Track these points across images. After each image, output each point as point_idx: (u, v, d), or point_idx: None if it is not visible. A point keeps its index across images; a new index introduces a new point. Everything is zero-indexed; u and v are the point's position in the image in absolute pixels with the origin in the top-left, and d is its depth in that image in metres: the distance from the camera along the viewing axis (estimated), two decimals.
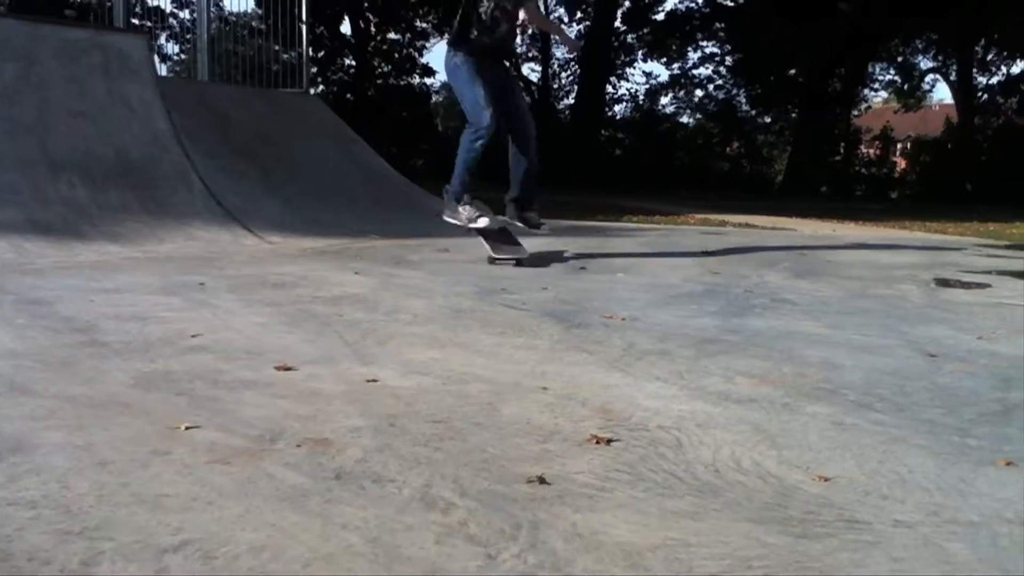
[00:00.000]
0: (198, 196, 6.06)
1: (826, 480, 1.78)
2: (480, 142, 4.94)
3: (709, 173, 28.42)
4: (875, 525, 1.57)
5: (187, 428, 1.97)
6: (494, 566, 1.37)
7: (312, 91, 10.16)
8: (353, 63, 27.00)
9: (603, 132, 28.60)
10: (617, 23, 28.30)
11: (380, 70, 27.69)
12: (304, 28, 9.99)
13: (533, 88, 31.09)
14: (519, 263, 5.09)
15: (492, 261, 5.13)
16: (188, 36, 9.92)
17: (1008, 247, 7.49)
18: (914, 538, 1.52)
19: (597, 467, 1.82)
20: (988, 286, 4.87)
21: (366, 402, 2.23)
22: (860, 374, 2.70)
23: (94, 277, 4.02)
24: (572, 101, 30.20)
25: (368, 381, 2.44)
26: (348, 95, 23.79)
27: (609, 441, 1.97)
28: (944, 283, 4.95)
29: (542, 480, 1.73)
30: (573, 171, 21.16)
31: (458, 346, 2.92)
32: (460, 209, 5.14)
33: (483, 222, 5.12)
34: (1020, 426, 2.19)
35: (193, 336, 2.88)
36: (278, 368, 2.53)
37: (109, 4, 9.93)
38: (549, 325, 3.34)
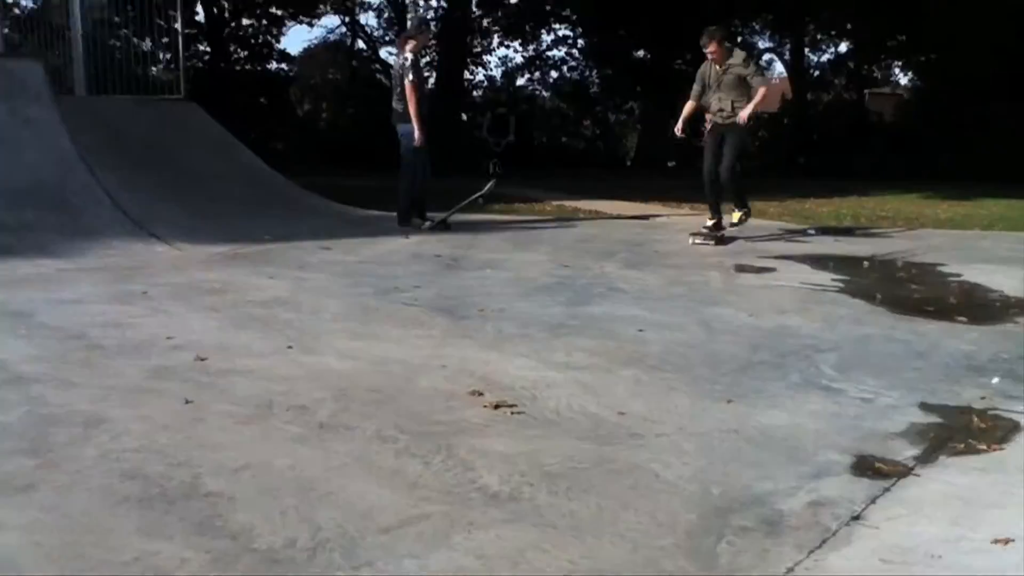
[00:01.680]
0: (106, 209, 6.73)
1: (623, 415, 2.93)
2: None
3: (566, 152, 29.83)
4: (646, 437, 2.73)
5: (205, 404, 2.92)
6: (428, 467, 2.44)
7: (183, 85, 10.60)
8: (208, 49, 26.83)
9: (463, 115, 29.49)
10: (473, 7, 29.18)
11: (236, 56, 27.64)
12: (180, 38, 10.54)
13: (391, 72, 31.64)
14: None
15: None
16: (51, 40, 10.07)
17: (807, 230, 9.01)
18: (666, 441, 2.69)
19: (483, 414, 2.91)
20: (773, 270, 6.23)
21: (321, 380, 3.24)
22: (660, 346, 3.89)
23: (48, 289, 4.76)
24: (431, 86, 30.94)
25: (316, 366, 3.43)
26: (205, 83, 23.76)
27: (488, 398, 3.06)
28: (741, 268, 6.30)
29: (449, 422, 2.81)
30: (435, 156, 22.06)
31: (374, 337, 3.94)
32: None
33: None
34: (750, 376, 3.43)
35: (168, 338, 3.78)
36: (246, 359, 3.49)
37: None
38: (439, 318, 4.40)
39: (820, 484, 2.34)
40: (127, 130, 8.51)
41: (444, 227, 8.26)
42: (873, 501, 2.24)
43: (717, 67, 7.51)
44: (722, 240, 7.59)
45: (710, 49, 7.45)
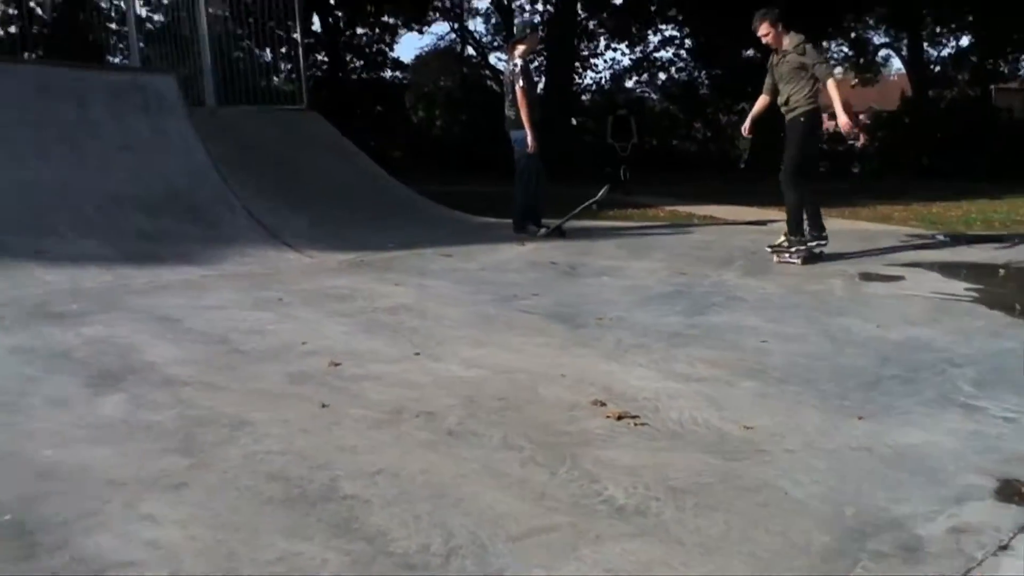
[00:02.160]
0: (240, 217, 7.09)
1: (748, 428, 2.90)
2: None
3: (677, 156, 29.48)
4: (773, 453, 2.70)
5: (340, 408, 3.05)
6: (555, 477, 2.48)
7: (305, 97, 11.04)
8: (325, 59, 27.79)
9: (574, 120, 29.51)
10: (579, 9, 29.15)
11: (352, 65, 28.53)
12: (300, 48, 10.97)
13: (502, 78, 31.96)
14: None
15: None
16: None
17: (936, 235, 8.64)
18: (794, 458, 2.65)
19: (606, 424, 2.93)
20: (901, 279, 6.01)
21: (448, 387, 3.33)
22: (783, 358, 3.82)
23: (190, 296, 5.06)
24: (541, 91, 31.09)
25: (442, 373, 3.53)
26: (323, 91, 24.61)
27: (611, 408, 3.08)
28: (866, 277, 6.10)
29: (574, 432, 2.84)
30: (548, 161, 22.19)
31: (496, 345, 4.02)
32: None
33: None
34: (880, 392, 3.33)
35: (303, 344, 3.95)
36: (376, 365, 3.62)
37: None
38: (557, 326, 4.45)
39: (962, 509, 2.26)
40: (254, 140, 8.93)
41: (559, 234, 8.30)
42: (1022, 530, 2.15)
43: (775, 55, 6.87)
44: (810, 258, 6.67)
45: (762, 32, 6.77)
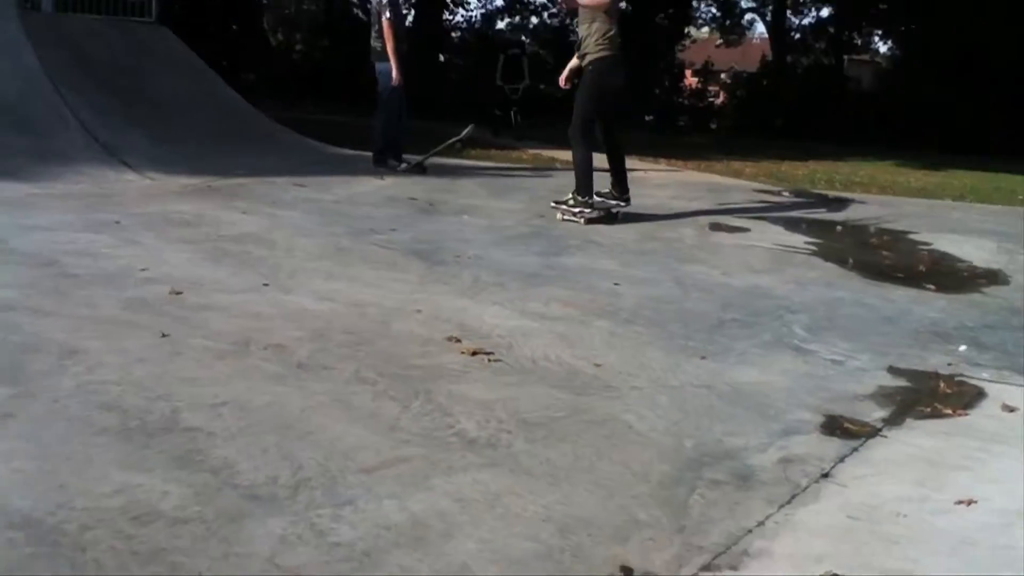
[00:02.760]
0: (75, 133, 6.59)
1: (598, 366, 2.97)
2: None
3: (544, 101, 29.58)
4: (621, 389, 2.78)
5: (181, 338, 2.91)
6: (407, 410, 2.46)
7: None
8: None
9: (442, 56, 29.04)
10: None
11: None
12: None
13: (369, 7, 31.00)
14: None
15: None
16: None
17: (782, 192, 9.08)
18: (640, 394, 2.73)
19: (459, 360, 2.93)
20: (747, 230, 6.28)
21: (298, 320, 3.23)
22: (633, 300, 3.93)
23: (16, 215, 4.67)
24: (409, 25, 30.37)
25: (292, 305, 3.42)
26: (176, 6, 23.11)
27: (465, 344, 3.08)
28: (715, 227, 6.34)
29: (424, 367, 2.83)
30: (413, 97, 21.79)
31: (349, 279, 3.93)
32: None
33: None
34: (722, 334, 3.48)
35: (142, 270, 3.74)
36: (221, 295, 3.47)
37: None
38: (414, 262, 4.39)
39: (790, 441, 2.41)
40: (95, 52, 8.28)
41: (420, 170, 8.18)
42: (842, 460, 2.31)
43: None
44: (602, 217, 6.00)
45: None
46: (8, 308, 3.07)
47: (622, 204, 6.25)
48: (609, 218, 6.15)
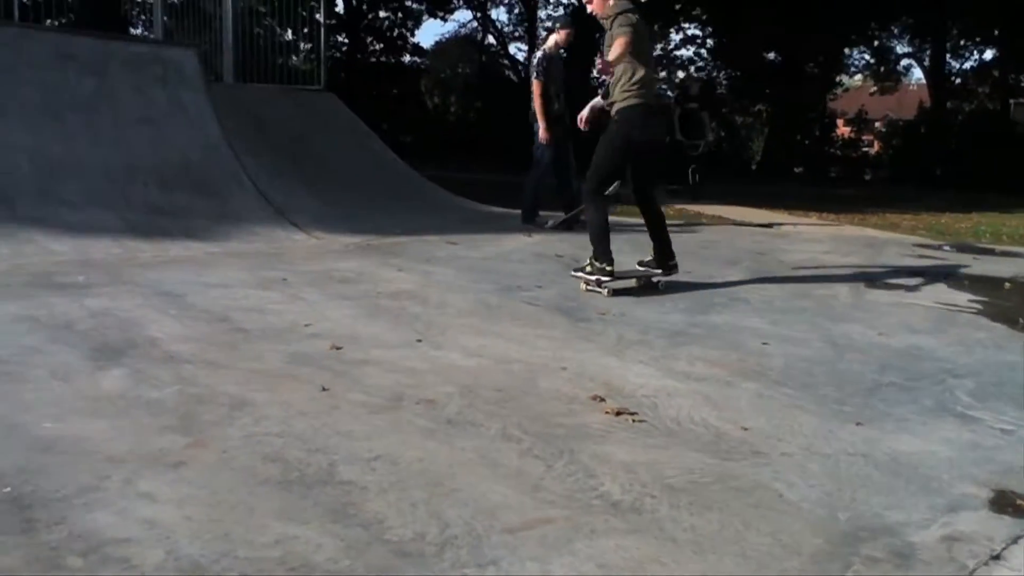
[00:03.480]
0: (250, 195, 7.10)
1: (745, 430, 2.91)
2: None
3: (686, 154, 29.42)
4: (770, 455, 2.70)
5: (340, 392, 3.07)
6: (551, 470, 2.49)
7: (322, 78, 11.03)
8: (346, 41, 27.77)
9: None
10: None
11: (371, 48, 28.51)
12: (323, 29, 10.95)
13: (520, 68, 31.96)
14: None
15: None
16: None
17: (943, 246, 8.62)
18: (790, 461, 2.65)
19: (604, 420, 2.94)
20: (906, 287, 6.00)
21: (447, 375, 3.34)
22: (783, 360, 3.82)
23: (195, 272, 5.07)
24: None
25: (443, 361, 3.54)
26: (341, 73, 24.59)
27: (609, 404, 3.08)
28: (871, 284, 6.09)
29: (571, 425, 2.85)
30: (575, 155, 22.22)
31: (497, 335, 4.02)
32: None
33: None
34: (880, 399, 3.33)
35: (306, 326, 3.97)
36: (377, 350, 3.63)
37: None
38: (559, 319, 4.45)
39: (955, 518, 2.27)
40: (270, 118, 8.93)
41: (567, 227, 8.29)
42: (1014, 541, 2.15)
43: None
44: (639, 288, 5.36)
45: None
46: (185, 361, 3.33)
47: (663, 273, 5.47)
48: (649, 288, 5.42)
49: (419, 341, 3.84)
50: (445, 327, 4.13)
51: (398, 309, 4.44)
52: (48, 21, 10.60)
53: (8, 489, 2.18)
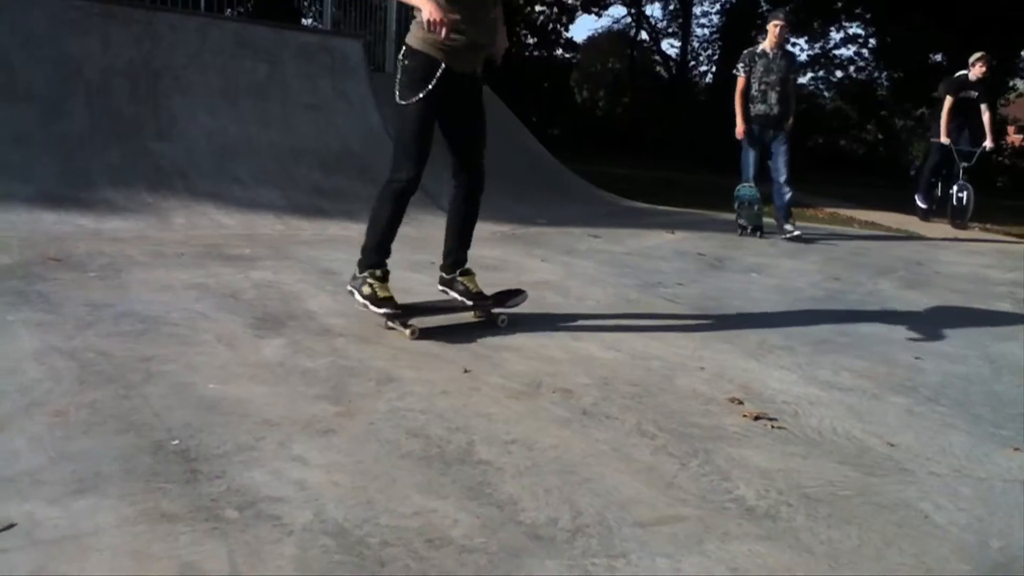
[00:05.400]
0: None
1: (892, 445, 2.80)
2: None
3: (843, 155, 28.28)
4: (917, 473, 2.60)
5: (480, 374, 3.15)
6: (685, 468, 2.48)
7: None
8: None
9: None
10: (761, 1, 28.32)
11: (526, 42, 28.77)
12: None
13: (672, 64, 31.52)
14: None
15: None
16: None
17: None
18: (939, 482, 2.54)
19: (741, 423, 2.90)
20: None
21: (585, 366, 3.37)
22: (937, 377, 3.65)
23: (351, 251, 5.26)
24: (709, 80, 30.40)
25: (581, 352, 3.57)
26: (494, 65, 24.96)
27: (748, 407, 3.04)
28: None
29: (708, 426, 2.83)
30: (710, 151, 21.81)
31: (635, 330, 4.02)
32: None
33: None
34: None
35: None
36: (517, 337, 3.70)
37: None
38: (700, 318, 4.40)
39: None
40: None
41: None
42: None
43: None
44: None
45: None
46: (339, 335, 3.51)
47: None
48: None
49: (558, 331, 3.88)
50: (584, 319, 4.16)
51: (539, 298, 4.50)
52: (228, 11, 11.27)
53: (176, 442, 2.37)
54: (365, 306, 3.61)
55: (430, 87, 3.52)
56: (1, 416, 2.42)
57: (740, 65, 8.03)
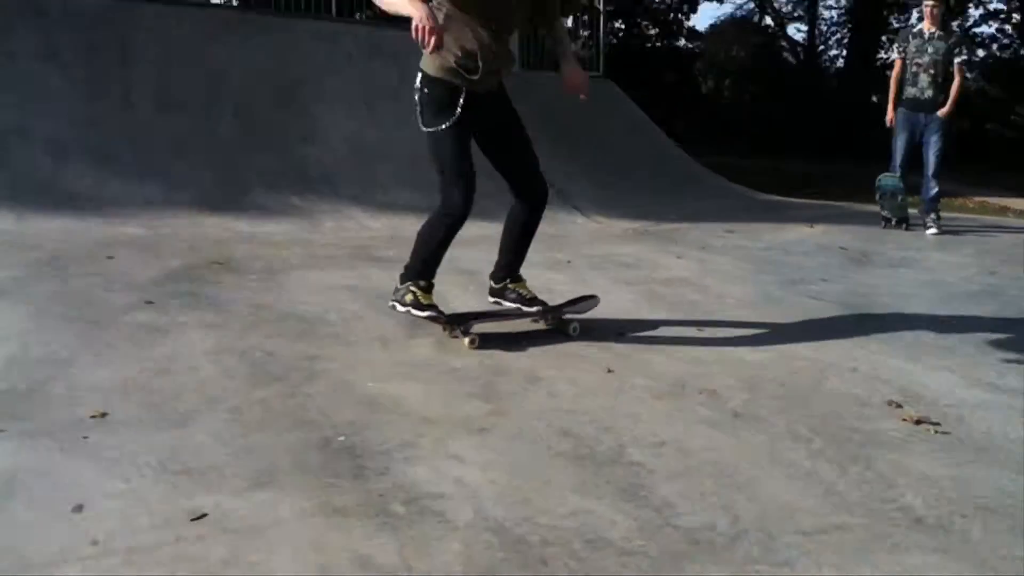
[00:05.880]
0: None
1: None
2: None
3: (990, 141, 26.64)
4: None
5: (625, 375, 3.15)
6: (845, 475, 2.41)
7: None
8: (622, 26, 27.88)
9: (874, 97, 27.51)
10: None
11: (647, 33, 28.40)
12: (602, 17, 11.12)
13: (799, 50, 30.42)
14: None
15: None
16: None
17: None
18: None
19: (902, 428, 2.79)
20: None
21: (730, 367, 3.32)
22: None
23: (488, 251, 5.35)
24: (840, 64, 29.22)
25: (725, 352, 3.52)
26: (617, 58, 24.76)
27: (907, 411, 2.92)
28: None
29: (860, 431, 2.74)
30: (846, 140, 20.99)
31: (780, 329, 3.93)
32: None
33: None
34: None
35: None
36: (659, 336, 3.68)
37: None
38: (847, 316, 4.26)
39: None
40: (552, 105, 9.21)
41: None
42: None
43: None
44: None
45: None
46: (487, 338, 3.58)
47: None
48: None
49: (699, 330, 3.84)
50: (725, 317, 4.09)
51: (677, 297, 4.46)
52: (357, 15, 11.65)
53: (342, 438, 2.48)
54: (408, 312, 3.45)
55: (458, 111, 3.33)
56: (184, 412, 2.60)
57: (895, 46, 7.81)
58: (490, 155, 3.58)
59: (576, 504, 2.17)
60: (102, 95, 6.26)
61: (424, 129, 3.39)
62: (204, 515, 2.00)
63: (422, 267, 3.51)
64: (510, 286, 3.70)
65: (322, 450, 2.39)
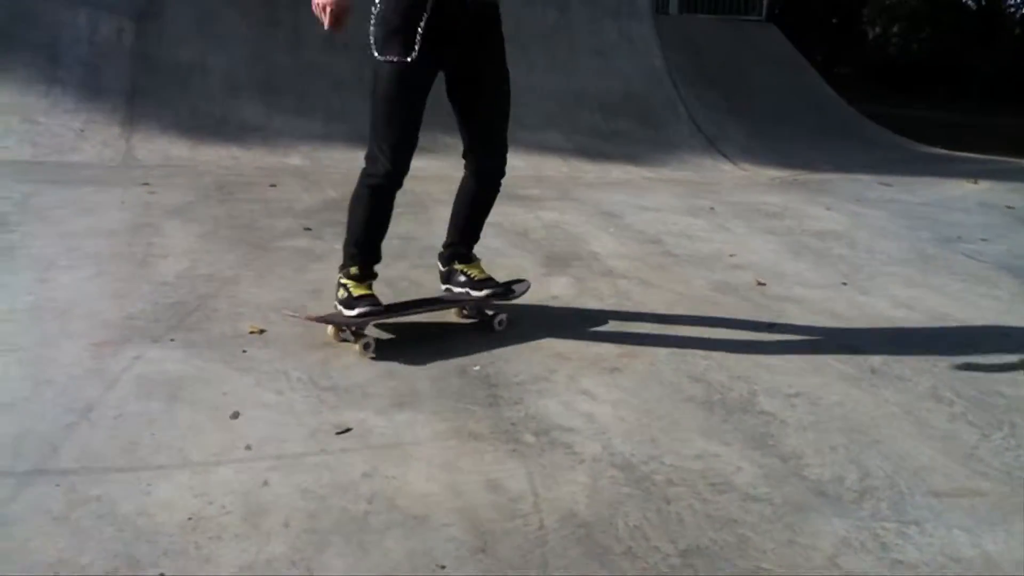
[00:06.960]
0: (684, 124, 7.31)
1: None
2: None
3: None
4: None
5: (769, 323, 3.13)
6: (988, 441, 2.34)
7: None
8: None
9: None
10: None
11: None
12: None
13: None
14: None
15: None
16: None
17: None
18: None
19: None
20: None
21: (873, 323, 3.24)
22: None
23: (632, 194, 5.40)
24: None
25: (868, 308, 3.42)
26: (780, 1, 23.65)
27: None
28: None
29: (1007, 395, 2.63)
30: (1018, 89, 19.40)
31: (931, 288, 3.77)
32: None
33: None
34: None
35: (730, 256, 4.07)
36: (800, 289, 3.62)
37: None
38: (1006, 279, 4.03)
39: None
40: (708, 49, 9.01)
41: None
42: None
43: None
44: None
45: None
46: (621, 276, 3.62)
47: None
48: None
49: (844, 284, 3.74)
50: (873, 273, 3.96)
51: (824, 249, 4.34)
52: None
53: (478, 368, 2.60)
54: (339, 313, 2.73)
55: (418, 38, 2.57)
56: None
57: None
58: (451, 98, 2.84)
59: (703, 447, 2.21)
60: (274, 34, 6.61)
61: (375, 56, 2.61)
62: (348, 429, 2.17)
63: (355, 249, 2.79)
64: (457, 267, 3.01)
65: (460, 377, 2.52)
